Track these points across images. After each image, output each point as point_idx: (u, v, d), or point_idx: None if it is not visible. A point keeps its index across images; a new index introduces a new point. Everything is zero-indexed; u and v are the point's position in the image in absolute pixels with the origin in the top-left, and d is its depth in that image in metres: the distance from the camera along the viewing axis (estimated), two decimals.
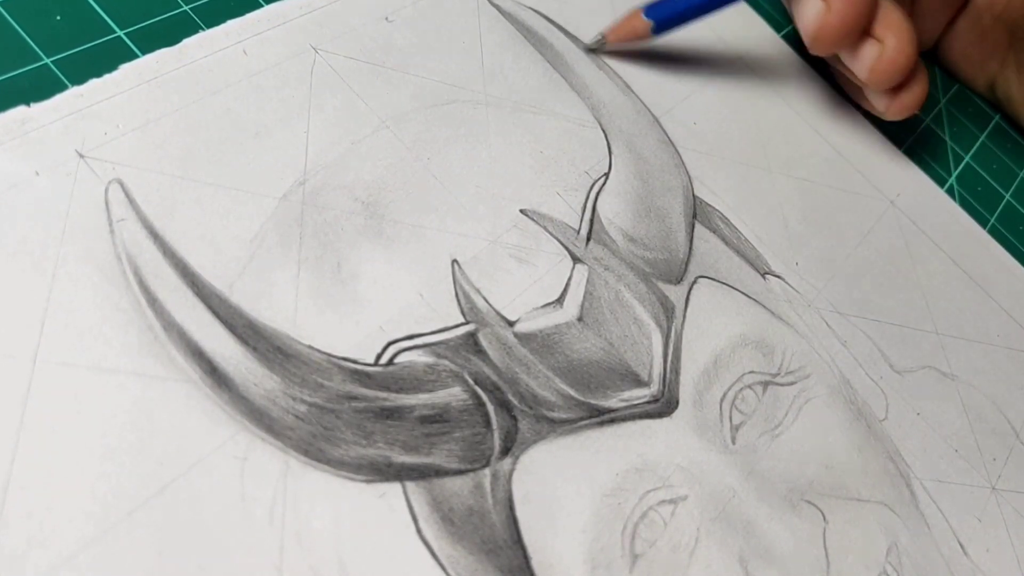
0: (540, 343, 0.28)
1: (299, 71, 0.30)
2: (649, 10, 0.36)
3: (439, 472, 0.25)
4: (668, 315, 0.31)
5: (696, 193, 0.35)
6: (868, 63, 0.34)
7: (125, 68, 0.28)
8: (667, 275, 0.32)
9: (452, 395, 0.26)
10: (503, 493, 0.26)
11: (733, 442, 0.29)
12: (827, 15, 0.32)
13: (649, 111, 0.37)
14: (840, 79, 0.42)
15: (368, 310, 0.27)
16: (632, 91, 0.37)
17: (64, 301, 0.23)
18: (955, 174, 0.44)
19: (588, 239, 0.32)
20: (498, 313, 0.28)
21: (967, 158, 0.45)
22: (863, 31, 0.34)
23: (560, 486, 0.26)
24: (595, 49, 0.36)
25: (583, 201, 0.33)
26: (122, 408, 0.22)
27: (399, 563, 0.23)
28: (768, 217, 0.36)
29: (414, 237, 0.29)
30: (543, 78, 0.35)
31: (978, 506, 0.33)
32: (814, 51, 0.34)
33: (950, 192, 0.43)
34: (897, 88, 0.37)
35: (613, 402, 0.28)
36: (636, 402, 0.29)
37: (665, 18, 0.34)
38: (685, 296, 0.32)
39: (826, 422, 0.32)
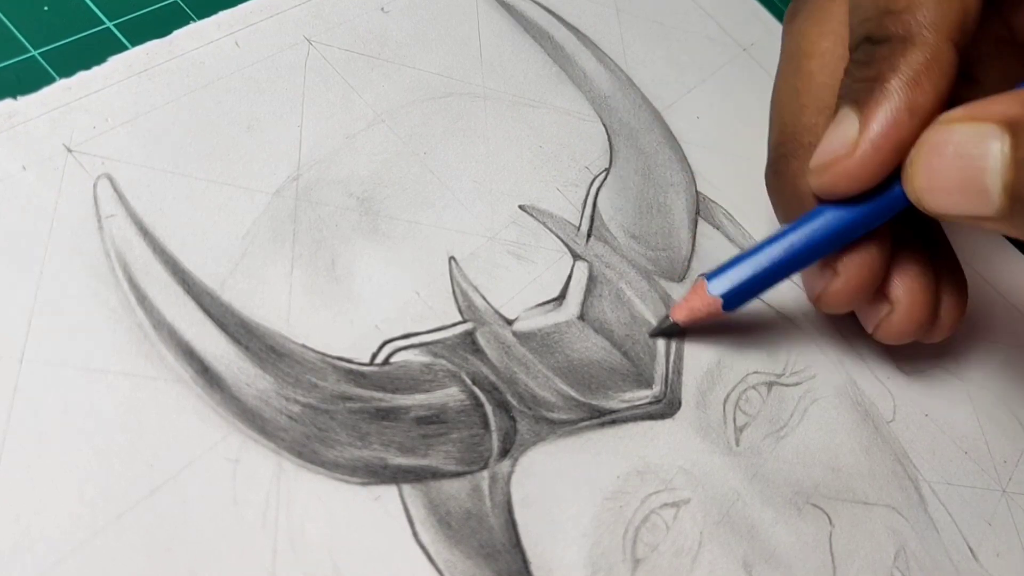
0: (539, 342, 0.28)
1: (292, 63, 0.30)
2: (721, 294, 0.30)
3: (436, 474, 0.25)
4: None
5: (699, 189, 0.35)
6: (872, 323, 0.32)
7: (114, 60, 0.28)
8: (669, 273, 0.32)
9: (449, 395, 0.26)
10: (501, 496, 0.26)
11: (737, 444, 0.30)
12: (834, 283, 0.30)
13: (651, 105, 0.37)
14: None
15: (363, 308, 0.27)
16: (634, 84, 0.37)
17: (51, 299, 0.23)
18: None
19: (588, 236, 0.32)
20: (496, 311, 0.29)
21: None
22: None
23: (560, 489, 0.26)
24: (657, 335, 0.31)
25: (583, 197, 0.33)
26: (111, 409, 0.22)
27: (395, 567, 0.23)
28: (773, 214, 0.36)
29: (410, 233, 0.29)
30: (542, 71, 0.35)
31: (988, 509, 0.33)
32: (819, 309, 0.32)
33: None
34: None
35: (614, 403, 0.28)
36: (638, 403, 0.29)
37: (741, 299, 0.30)
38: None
39: (832, 423, 0.32)
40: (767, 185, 0.33)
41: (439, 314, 0.28)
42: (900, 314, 0.31)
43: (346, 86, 0.31)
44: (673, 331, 0.31)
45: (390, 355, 0.26)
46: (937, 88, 0.27)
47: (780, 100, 0.33)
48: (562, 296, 0.30)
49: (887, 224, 0.30)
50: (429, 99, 0.32)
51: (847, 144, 0.28)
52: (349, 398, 0.25)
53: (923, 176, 0.27)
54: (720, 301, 0.29)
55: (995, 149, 0.25)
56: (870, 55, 0.28)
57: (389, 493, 0.24)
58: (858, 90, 0.28)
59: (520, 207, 0.31)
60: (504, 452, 0.26)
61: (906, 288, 0.31)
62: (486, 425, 0.26)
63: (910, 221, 0.31)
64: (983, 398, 0.36)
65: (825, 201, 0.29)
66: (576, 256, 0.31)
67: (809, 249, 0.29)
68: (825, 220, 0.29)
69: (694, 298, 0.30)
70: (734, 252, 0.34)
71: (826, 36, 0.32)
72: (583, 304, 0.30)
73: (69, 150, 0.26)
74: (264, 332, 0.25)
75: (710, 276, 0.30)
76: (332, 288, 0.27)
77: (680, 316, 0.30)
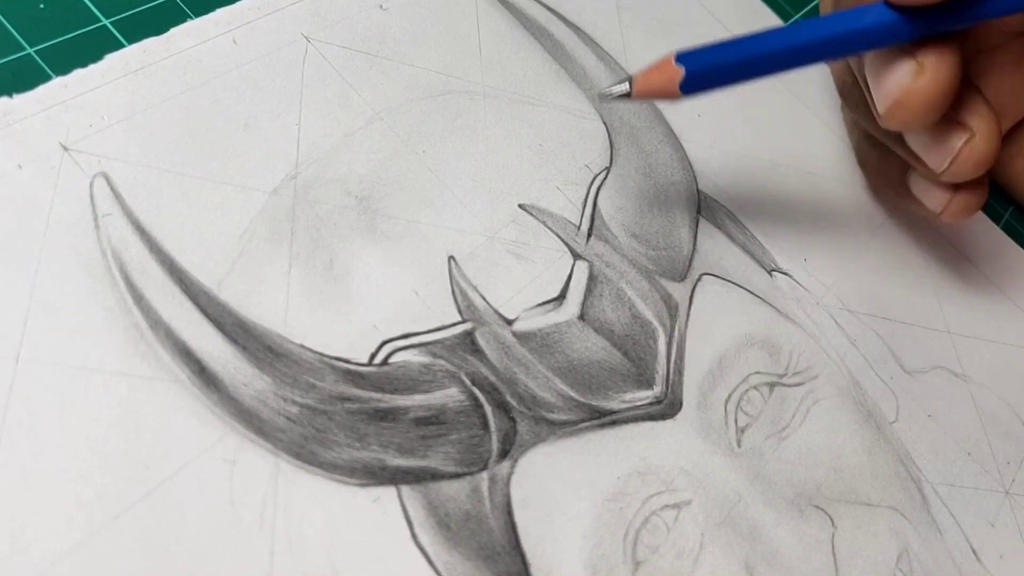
0: (539, 342, 0.28)
1: (290, 61, 0.30)
2: (686, 59, 0.28)
3: (435, 475, 0.25)
4: (672, 314, 0.31)
5: (700, 188, 0.35)
6: (951, 152, 0.30)
7: (111, 58, 0.28)
8: (671, 272, 0.32)
9: (448, 396, 0.26)
10: (501, 497, 0.26)
11: (739, 445, 0.30)
12: (920, 79, 0.28)
13: (652, 103, 0.37)
14: (875, 173, 0.38)
15: (361, 308, 0.27)
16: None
17: (47, 298, 0.23)
18: None
19: (589, 235, 0.32)
20: (496, 311, 0.29)
21: None
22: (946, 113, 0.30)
23: (560, 490, 0.26)
24: (606, 96, 0.29)
25: (584, 196, 0.33)
26: (107, 409, 0.22)
27: (393, 569, 0.23)
28: (775, 212, 0.36)
29: (409, 233, 0.29)
30: (542, 68, 0.35)
31: (991, 511, 0.33)
32: (889, 124, 0.29)
33: None
34: (961, 185, 0.33)
35: (615, 403, 0.28)
36: (638, 403, 0.29)
37: (702, 77, 0.28)
38: (689, 294, 0.32)
39: (835, 424, 0.32)
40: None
41: (438, 314, 0.28)
42: (982, 138, 0.30)
43: (344, 84, 0.31)
44: (622, 97, 0.29)
45: (389, 355, 0.26)
46: None
47: None
48: (562, 296, 0.30)
49: (958, 42, 0.28)
50: (428, 97, 0.32)
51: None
52: (347, 399, 0.25)
53: None
54: (681, 72, 0.28)
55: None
56: None
57: (388, 494, 0.24)
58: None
59: (520, 206, 0.31)
60: (504, 453, 0.26)
61: (980, 110, 0.30)
62: (485, 426, 0.26)
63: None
64: (986, 399, 0.36)
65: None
66: (576, 255, 0.31)
67: (805, 42, 0.28)
68: (850, 17, 0.28)
69: (656, 68, 0.28)
70: (735, 251, 0.34)
71: None
72: (583, 304, 0.30)
73: (65, 148, 0.26)
74: (261, 332, 0.25)
75: (683, 56, 0.28)
76: (330, 287, 0.27)
77: (637, 86, 0.29)
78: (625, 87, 0.29)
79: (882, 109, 0.29)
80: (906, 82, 0.28)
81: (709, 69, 0.28)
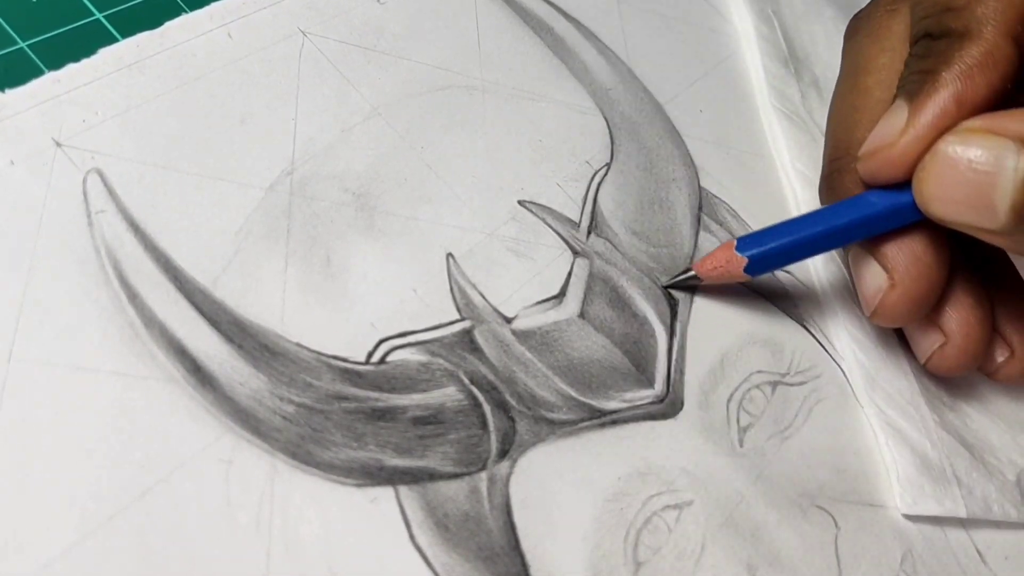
0: (539, 341, 0.28)
1: (287, 55, 0.30)
2: (747, 254, 0.30)
3: (433, 476, 0.25)
4: (672, 312, 0.31)
5: (702, 184, 0.35)
6: (925, 353, 0.32)
7: (104, 52, 0.28)
8: (671, 270, 0.32)
9: (447, 395, 0.26)
10: (500, 498, 0.26)
11: (741, 445, 0.30)
12: (890, 294, 0.30)
13: (653, 98, 0.37)
14: None
15: (359, 306, 0.27)
16: (635, 77, 0.37)
17: (40, 297, 0.23)
18: None
19: (589, 232, 0.32)
20: (495, 309, 0.29)
21: None
22: (929, 311, 0.31)
23: (560, 490, 0.26)
24: (675, 287, 0.32)
25: (584, 192, 0.33)
26: (102, 408, 0.22)
27: (392, 570, 0.23)
28: (777, 209, 0.36)
29: (407, 230, 0.29)
30: (542, 63, 0.35)
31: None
32: (874, 322, 0.31)
33: None
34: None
35: (615, 403, 0.28)
36: (639, 403, 0.29)
37: (763, 262, 0.30)
38: (690, 292, 0.32)
39: (838, 424, 0.32)
40: (821, 199, 0.33)
41: (436, 312, 0.28)
42: (954, 347, 0.31)
43: (342, 79, 0.31)
44: (690, 284, 0.32)
45: (386, 354, 0.26)
46: (990, 83, 0.27)
47: (837, 115, 0.33)
48: (562, 294, 0.30)
49: (945, 242, 0.30)
50: (426, 92, 0.32)
51: (894, 132, 0.28)
52: (344, 398, 0.25)
53: (933, 184, 0.27)
54: (745, 261, 0.30)
55: (1007, 167, 0.25)
56: (927, 49, 0.29)
57: (385, 495, 0.24)
58: (912, 82, 0.29)
59: (519, 203, 0.31)
60: (503, 453, 0.26)
61: (960, 320, 0.31)
62: (484, 425, 0.26)
63: (969, 250, 0.31)
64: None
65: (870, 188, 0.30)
66: (576, 253, 0.31)
67: (844, 226, 0.30)
68: (865, 201, 0.29)
69: (720, 254, 0.31)
70: None
71: (885, 52, 0.32)
72: (583, 302, 0.30)
73: (58, 144, 0.25)
74: (258, 330, 0.25)
75: (741, 241, 0.31)
76: (327, 285, 0.27)
77: (703, 269, 0.31)
78: (691, 274, 0.31)
79: (865, 312, 0.31)
80: (880, 295, 0.30)
81: (767, 255, 0.30)
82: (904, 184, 0.29)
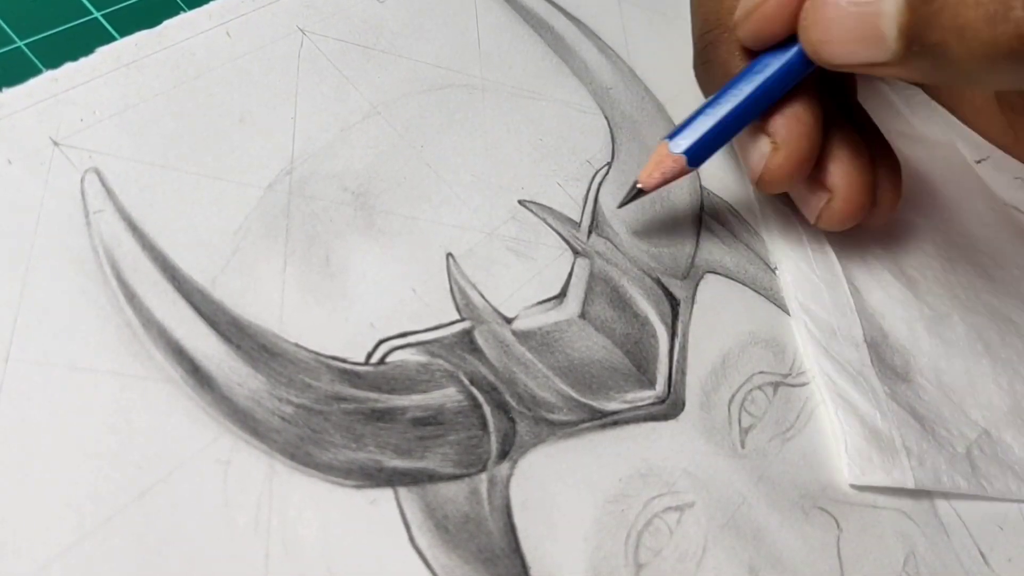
0: (539, 341, 0.28)
1: (286, 54, 0.30)
2: (684, 150, 0.31)
3: (433, 477, 0.25)
4: (674, 312, 0.31)
5: (703, 184, 0.35)
6: (814, 212, 0.33)
7: (102, 51, 0.28)
8: (673, 270, 0.32)
9: (446, 396, 0.26)
10: (500, 499, 0.26)
11: (742, 446, 0.30)
12: (774, 157, 0.31)
13: (654, 97, 0.37)
14: None
15: (358, 306, 0.27)
16: (636, 76, 0.37)
17: (38, 297, 0.23)
18: None
19: (590, 232, 0.32)
20: (495, 309, 0.29)
21: None
22: (811, 172, 0.32)
23: (560, 492, 0.26)
24: (629, 202, 0.32)
25: (584, 192, 0.33)
26: (99, 409, 0.22)
27: (391, 573, 0.23)
28: (779, 209, 0.36)
29: (407, 229, 0.29)
30: (543, 62, 0.35)
31: (1000, 513, 0.33)
32: (760, 191, 0.33)
33: None
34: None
35: (616, 403, 0.28)
36: (640, 404, 0.29)
37: (702, 151, 0.31)
38: (692, 292, 0.32)
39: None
40: (697, 77, 0.34)
41: (436, 312, 0.28)
42: (840, 200, 0.32)
43: (341, 77, 0.31)
44: (639, 198, 0.32)
45: (386, 354, 0.26)
46: None
47: None
48: (562, 294, 0.30)
49: (819, 99, 0.31)
50: (426, 91, 0.32)
51: None
52: (344, 399, 0.25)
53: (820, 30, 0.28)
54: (684, 158, 0.31)
55: None
56: None
57: (385, 496, 0.24)
58: None
59: (520, 202, 0.31)
60: (503, 454, 0.26)
61: (842, 173, 0.32)
62: (484, 426, 0.26)
63: (839, 105, 0.32)
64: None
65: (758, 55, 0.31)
66: (577, 253, 0.31)
67: (757, 94, 0.30)
68: (764, 66, 0.30)
69: (657, 160, 0.31)
70: (738, 248, 0.34)
71: None
72: (584, 302, 0.30)
73: (56, 143, 0.26)
74: (256, 331, 0.25)
75: (669, 136, 0.31)
76: (326, 285, 0.27)
77: (649, 180, 0.31)
78: (639, 187, 0.31)
79: (751, 181, 0.32)
80: (764, 160, 0.31)
81: (701, 145, 0.31)
82: (787, 41, 0.30)
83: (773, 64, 0.30)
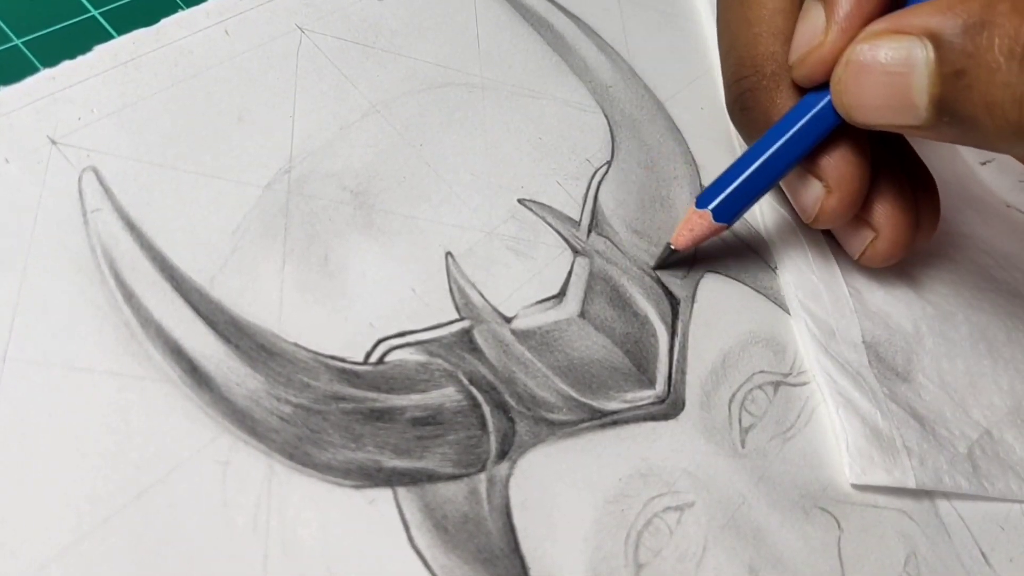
0: (539, 340, 0.28)
1: (284, 52, 0.30)
2: (710, 207, 0.31)
3: (432, 477, 0.25)
4: (674, 311, 0.31)
5: (704, 183, 0.35)
6: (859, 248, 0.34)
7: (100, 49, 0.28)
8: (675, 269, 0.32)
9: (446, 396, 0.26)
10: (500, 499, 0.26)
11: (742, 446, 0.30)
12: (829, 200, 0.31)
13: (654, 95, 0.37)
14: None
15: (357, 306, 0.27)
16: (636, 74, 0.37)
17: (35, 296, 0.23)
18: None
19: (589, 231, 0.32)
20: (494, 309, 0.28)
21: None
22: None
23: (560, 492, 0.26)
24: (662, 266, 0.32)
25: (584, 190, 0.33)
26: (97, 409, 0.22)
27: (390, 573, 0.23)
28: (778, 210, 0.36)
29: (406, 228, 0.29)
30: (542, 60, 0.35)
31: (1001, 513, 0.33)
32: (814, 227, 0.33)
33: None
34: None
35: (616, 403, 0.28)
36: (640, 403, 0.29)
37: (735, 213, 0.31)
38: (692, 291, 0.32)
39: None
40: (734, 122, 0.34)
41: (435, 311, 0.28)
42: (885, 241, 0.33)
43: (340, 76, 0.31)
44: (675, 259, 0.32)
45: (385, 354, 0.26)
46: None
47: (732, 33, 0.34)
48: (562, 293, 0.30)
49: (867, 139, 0.31)
50: (425, 89, 0.32)
51: (818, 33, 0.29)
52: (342, 398, 0.25)
53: (852, 93, 0.28)
54: (709, 214, 0.31)
55: (920, 63, 0.26)
56: None
57: (384, 496, 0.24)
58: None
59: (519, 201, 0.31)
60: (502, 454, 0.26)
61: (889, 214, 0.33)
62: (484, 426, 0.26)
63: (883, 142, 0.33)
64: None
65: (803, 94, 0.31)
66: (576, 252, 0.31)
67: (788, 147, 0.31)
68: (797, 116, 0.30)
69: (686, 220, 0.32)
70: (738, 248, 0.34)
71: None
72: (584, 301, 0.30)
73: (53, 142, 0.25)
74: (255, 330, 0.25)
75: (698, 198, 0.31)
76: (325, 285, 0.27)
77: (680, 241, 0.31)
78: (671, 248, 0.32)
79: (805, 220, 0.33)
80: (819, 203, 0.32)
81: (727, 200, 0.31)
82: (824, 86, 0.30)
83: (810, 110, 0.30)
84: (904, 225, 0.33)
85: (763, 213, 0.36)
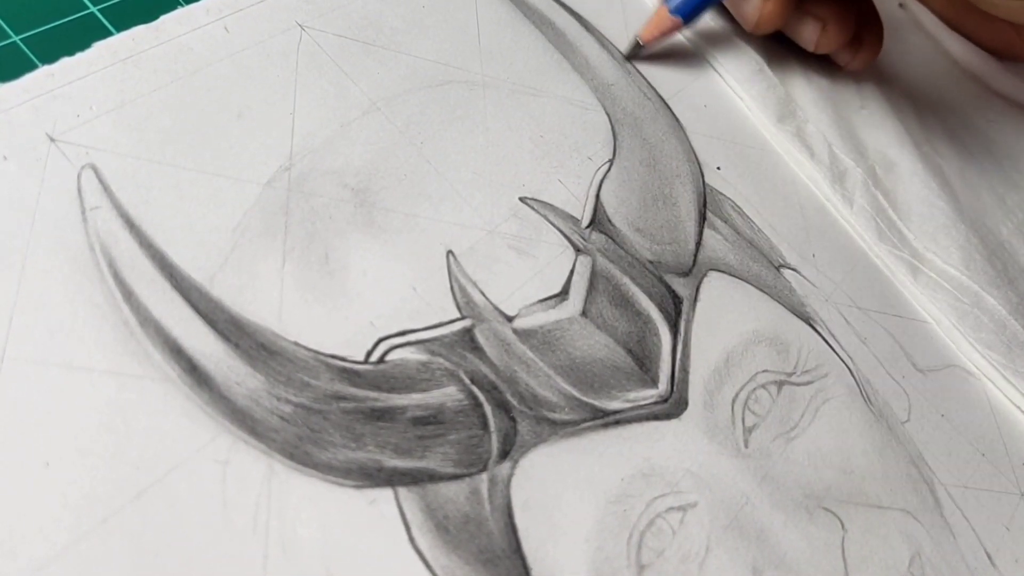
0: (540, 339, 0.28)
1: (284, 49, 0.30)
2: (673, 8, 0.38)
3: (433, 477, 0.25)
4: (676, 310, 0.31)
5: (707, 181, 0.35)
6: (812, 41, 0.40)
7: (99, 46, 0.28)
8: (675, 267, 0.32)
9: (447, 395, 0.26)
10: (501, 499, 0.25)
11: (746, 445, 0.29)
12: (767, 4, 0.38)
13: (656, 92, 0.37)
14: None
15: (358, 304, 0.27)
16: (638, 71, 0.37)
17: (34, 295, 0.23)
18: None
19: (591, 229, 0.32)
20: (496, 308, 0.28)
21: None
22: (804, 7, 0.39)
23: (562, 492, 0.26)
24: (632, 56, 0.38)
25: (586, 188, 0.33)
26: (96, 409, 0.22)
27: (391, 573, 0.23)
28: (784, 206, 0.36)
29: (407, 226, 0.29)
30: (544, 58, 0.35)
31: (1006, 513, 0.33)
32: (756, 33, 0.39)
33: None
34: (852, 41, 0.41)
35: (618, 403, 0.28)
36: (643, 403, 0.29)
37: (691, 9, 0.37)
38: (695, 290, 0.32)
39: (844, 424, 0.32)
40: None
41: (436, 310, 0.28)
42: (833, 25, 0.39)
43: (340, 73, 0.31)
44: (639, 52, 0.38)
45: (385, 353, 0.26)
46: None
47: None
48: (564, 292, 0.30)
49: None
50: (426, 87, 0.32)
51: None
52: (343, 398, 0.25)
53: None
54: (679, 19, 0.37)
55: None
56: None
57: (384, 496, 0.24)
58: None
59: (521, 199, 0.31)
60: (504, 454, 0.26)
61: (830, 2, 0.39)
62: (485, 426, 0.26)
63: None
64: (1001, 398, 0.36)
65: None
66: (578, 250, 0.31)
67: None
68: None
69: (655, 17, 0.38)
70: (742, 246, 0.34)
71: None
72: (586, 300, 0.30)
73: (52, 139, 0.25)
74: (255, 329, 0.25)
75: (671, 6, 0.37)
76: (326, 283, 0.27)
77: (646, 35, 0.37)
78: (635, 40, 0.37)
79: (748, 28, 0.39)
80: (758, 11, 0.38)
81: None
82: None
83: None
84: (847, 12, 0.39)
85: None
